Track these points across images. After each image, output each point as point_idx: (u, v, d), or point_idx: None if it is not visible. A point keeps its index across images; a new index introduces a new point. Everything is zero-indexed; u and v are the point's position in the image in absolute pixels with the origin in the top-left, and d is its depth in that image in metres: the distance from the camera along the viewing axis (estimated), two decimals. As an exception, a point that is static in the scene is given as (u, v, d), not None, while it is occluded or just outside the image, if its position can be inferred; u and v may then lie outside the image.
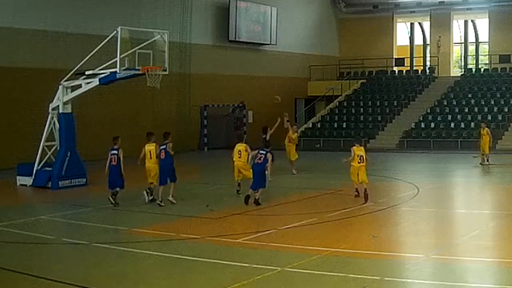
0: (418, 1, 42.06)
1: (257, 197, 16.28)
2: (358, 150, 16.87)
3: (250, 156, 17.56)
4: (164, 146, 16.61)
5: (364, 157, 16.79)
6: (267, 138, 20.21)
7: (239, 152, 17.63)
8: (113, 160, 16.55)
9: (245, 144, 17.78)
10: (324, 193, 17.74)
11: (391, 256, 11.21)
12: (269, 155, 16.76)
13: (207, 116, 34.41)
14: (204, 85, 34.37)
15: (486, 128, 25.36)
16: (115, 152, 16.59)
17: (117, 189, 16.57)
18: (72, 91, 20.67)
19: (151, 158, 16.81)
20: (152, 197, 16.83)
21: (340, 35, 44.91)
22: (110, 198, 16.49)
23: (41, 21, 26.82)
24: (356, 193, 16.93)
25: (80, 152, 20.87)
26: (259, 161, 16.55)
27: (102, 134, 28.82)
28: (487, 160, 24.88)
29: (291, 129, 23.07)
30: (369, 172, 18.84)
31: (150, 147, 16.88)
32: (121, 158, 16.51)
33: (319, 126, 37.85)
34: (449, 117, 35.40)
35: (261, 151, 16.72)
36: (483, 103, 36.14)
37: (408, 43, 45.80)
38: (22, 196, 19.94)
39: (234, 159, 17.71)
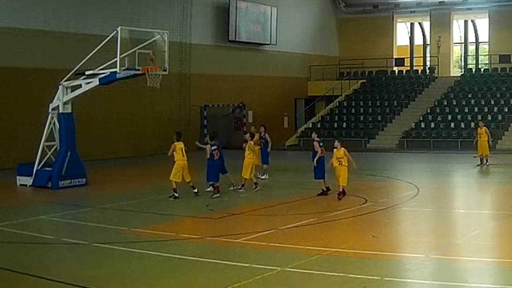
0: (418, 1, 42.05)
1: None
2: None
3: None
4: (215, 147, 18.08)
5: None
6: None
7: None
8: (215, 155, 17.77)
9: None
10: (324, 193, 17.74)
11: (391, 256, 11.19)
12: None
13: (207, 116, 34.42)
14: (204, 85, 34.38)
15: (484, 127, 24.82)
16: (215, 147, 17.81)
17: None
18: (72, 91, 20.67)
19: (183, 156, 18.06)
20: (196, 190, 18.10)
21: (340, 35, 44.91)
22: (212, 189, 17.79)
23: (41, 21, 26.84)
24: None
25: (80, 152, 20.86)
26: (322, 155, 17.56)
27: (102, 134, 28.93)
28: (487, 161, 24.67)
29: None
30: (369, 172, 18.88)
31: (180, 145, 18.01)
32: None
33: (319, 126, 37.81)
34: (449, 117, 35.39)
35: (321, 143, 17.69)
36: (483, 103, 36.13)
37: (408, 43, 45.78)
38: (22, 196, 19.92)
39: None
